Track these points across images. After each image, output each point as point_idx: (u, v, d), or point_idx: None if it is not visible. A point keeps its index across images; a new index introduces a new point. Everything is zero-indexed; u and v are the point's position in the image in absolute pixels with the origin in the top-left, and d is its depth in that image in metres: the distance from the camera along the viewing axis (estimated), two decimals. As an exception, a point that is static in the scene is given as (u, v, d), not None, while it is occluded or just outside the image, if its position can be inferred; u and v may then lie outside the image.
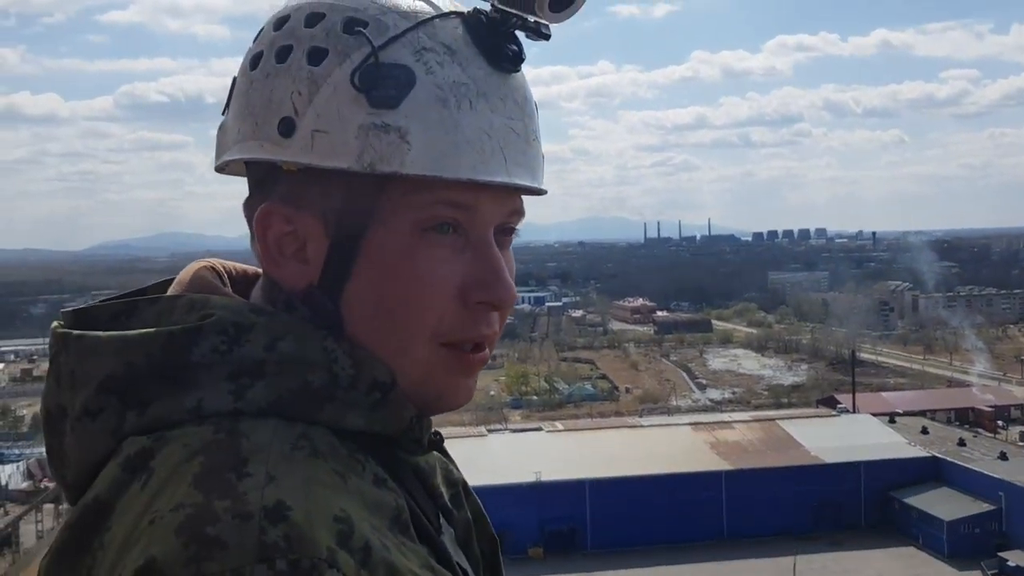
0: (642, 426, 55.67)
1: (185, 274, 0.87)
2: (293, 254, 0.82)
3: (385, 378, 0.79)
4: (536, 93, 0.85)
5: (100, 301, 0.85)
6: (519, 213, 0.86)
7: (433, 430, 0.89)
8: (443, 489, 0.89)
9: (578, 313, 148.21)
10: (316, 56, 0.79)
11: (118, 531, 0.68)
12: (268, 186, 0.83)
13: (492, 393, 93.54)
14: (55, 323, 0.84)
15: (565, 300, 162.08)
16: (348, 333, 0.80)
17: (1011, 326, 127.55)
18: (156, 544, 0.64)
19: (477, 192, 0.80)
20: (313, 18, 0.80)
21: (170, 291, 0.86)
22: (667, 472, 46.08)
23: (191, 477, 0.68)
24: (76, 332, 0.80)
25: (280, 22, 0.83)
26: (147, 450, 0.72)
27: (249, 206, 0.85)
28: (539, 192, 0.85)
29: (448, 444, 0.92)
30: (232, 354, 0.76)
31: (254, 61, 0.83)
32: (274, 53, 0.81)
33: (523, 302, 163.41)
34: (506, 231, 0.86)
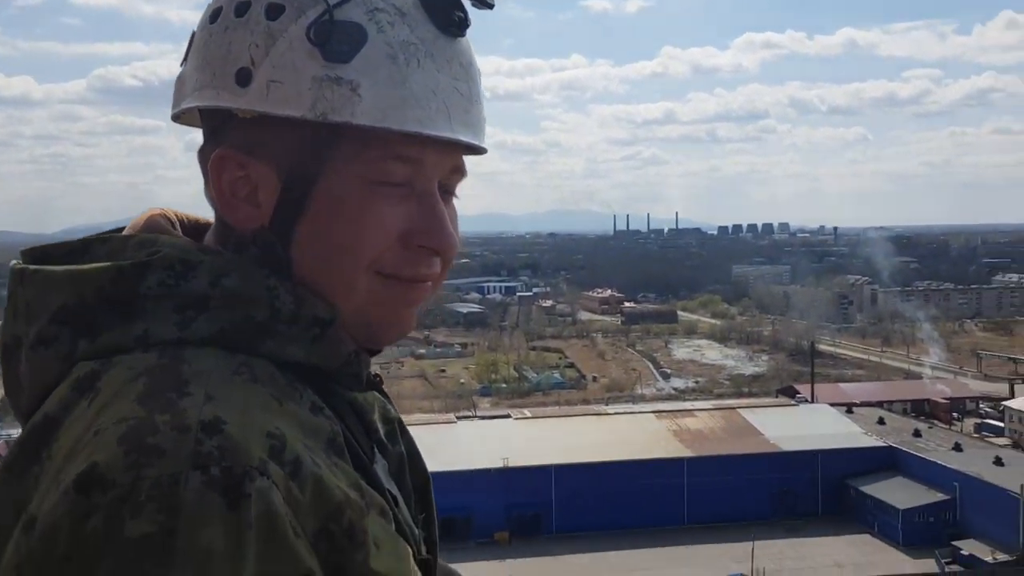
0: (608, 414, 56.55)
1: (139, 219, 0.94)
2: (245, 197, 0.87)
3: (324, 315, 0.85)
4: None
5: (55, 243, 0.91)
6: (461, 172, 0.93)
7: (375, 374, 0.95)
8: (379, 425, 0.95)
9: (548, 303, 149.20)
10: (273, 11, 0.84)
11: (64, 442, 0.73)
12: (223, 133, 0.88)
13: (462, 381, 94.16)
14: (13, 261, 0.88)
15: (535, 290, 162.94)
16: (296, 272, 0.86)
17: (967, 320, 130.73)
18: (99, 451, 0.69)
19: (423, 146, 0.86)
20: None
21: (124, 233, 0.91)
22: (631, 458, 46.98)
23: (135, 395, 0.73)
24: (32, 267, 0.86)
25: None
26: (95, 372, 0.77)
27: (204, 153, 0.90)
28: (481, 151, 0.92)
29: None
30: (178, 288, 0.81)
31: (213, 15, 0.88)
32: (233, 8, 0.86)
33: (494, 291, 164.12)
34: (448, 190, 0.93)
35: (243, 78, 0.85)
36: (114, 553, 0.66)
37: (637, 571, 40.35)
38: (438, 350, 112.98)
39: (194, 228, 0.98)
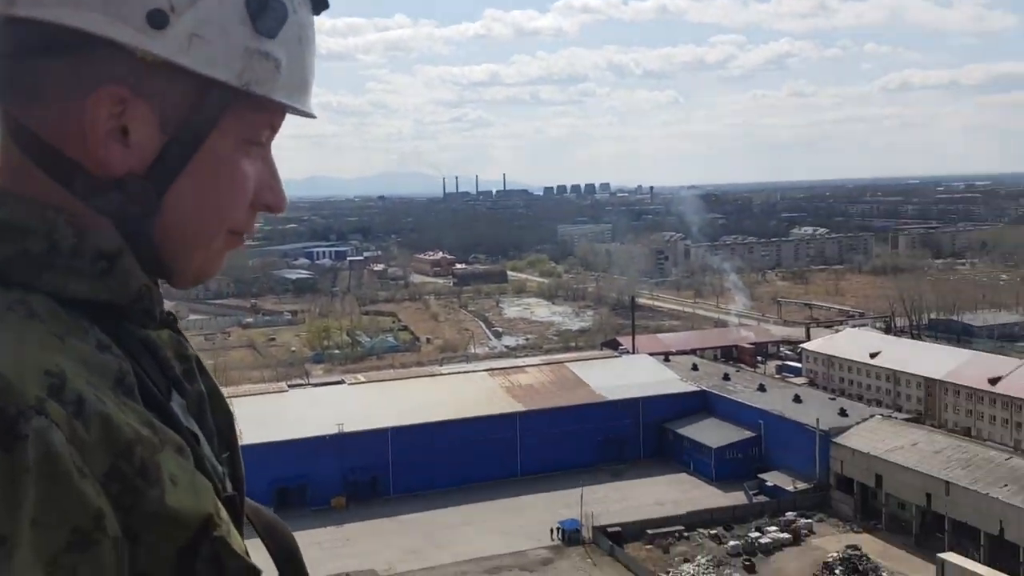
0: (442, 374, 57.38)
1: None
2: (117, 137, 0.83)
3: (111, 247, 0.83)
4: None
5: None
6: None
7: (168, 311, 0.94)
8: (175, 363, 0.93)
9: (379, 267, 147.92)
10: None
11: None
12: (86, 62, 0.82)
13: (293, 349, 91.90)
14: None
15: (366, 254, 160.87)
16: (161, 221, 0.86)
17: (769, 271, 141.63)
18: None
19: (284, 115, 0.93)
20: None
21: None
22: (465, 416, 48.18)
23: None
24: None
25: None
26: None
27: (45, 74, 0.83)
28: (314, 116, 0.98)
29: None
30: None
31: None
32: None
33: (323, 257, 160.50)
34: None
35: (158, 21, 0.81)
36: None
37: (472, 524, 41.63)
38: (267, 318, 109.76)
39: None
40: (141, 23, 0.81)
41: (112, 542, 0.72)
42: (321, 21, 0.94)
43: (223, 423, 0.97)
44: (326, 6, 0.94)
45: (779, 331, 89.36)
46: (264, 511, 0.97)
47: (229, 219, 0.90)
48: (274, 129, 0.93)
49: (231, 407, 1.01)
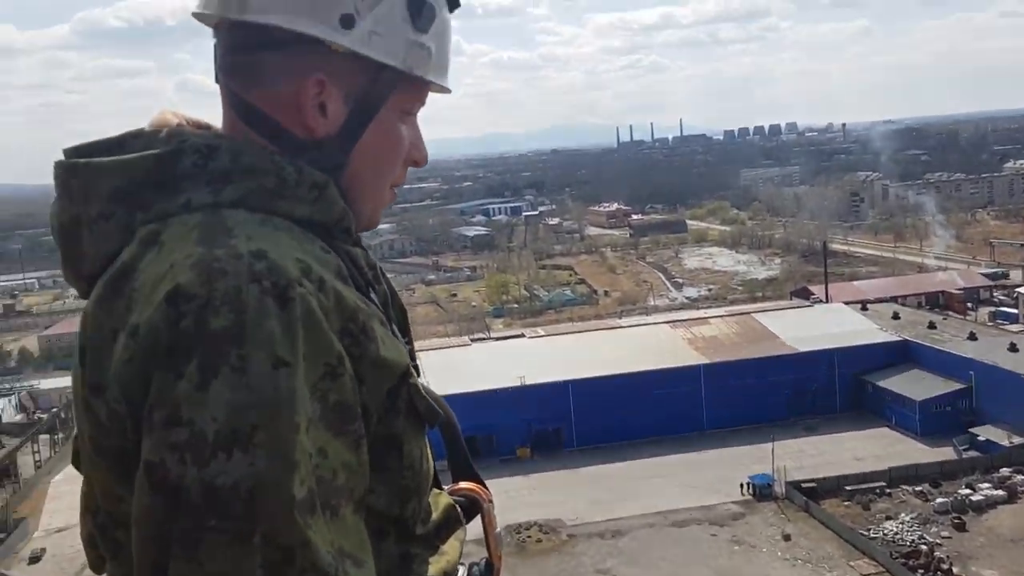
0: (621, 327, 56.57)
1: (154, 119, 1.15)
2: (318, 109, 1.11)
3: (320, 179, 1.09)
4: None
5: (93, 141, 1.12)
6: None
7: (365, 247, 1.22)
8: (367, 269, 1.17)
9: (554, 221, 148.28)
10: None
11: (146, 279, 0.97)
12: (298, 54, 1.09)
13: (474, 304, 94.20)
14: (57, 160, 1.10)
15: (541, 209, 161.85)
16: (346, 174, 1.13)
17: (979, 210, 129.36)
18: (179, 276, 0.94)
19: (428, 91, 1.21)
20: None
21: (149, 129, 1.13)
22: (647, 369, 47.28)
23: (193, 239, 0.98)
24: (83, 160, 1.08)
25: None
26: (155, 231, 1.02)
27: (266, 63, 1.10)
28: (450, 91, 1.25)
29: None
30: (207, 167, 1.05)
31: None
32: None
33: (499, 212, 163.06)
34: None
35: (347, 22, 1.08)
36: (204, 341, 0.90)
37: (658, 478, 40.91)
38: (448, 275, 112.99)
39: (196, 126, 1.17)
40: (336, 24, 1.08)
41: (349, 377, 0.98)
42: None
43: (400, 316, 1.22)
44: (458, 5, 1.22)
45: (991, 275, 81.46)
46: (429, 389, 1.16)
47: (391, 173, 1.18)
48: (422, 102, 1.20)
49: (404, 305, 1.26)
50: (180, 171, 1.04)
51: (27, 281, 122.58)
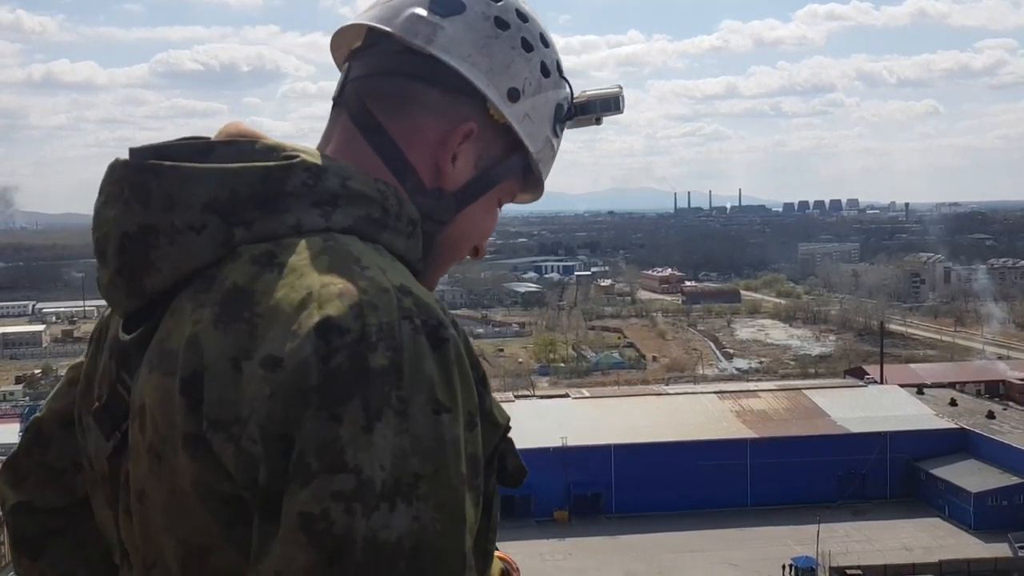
0: (668, 394, 55.84)
1: (226, 129, 1.07)
2: (451, 159, 1.09)
3: (414, 216, 1.05)
4: (566, 63, 1.24)
5: (168, 142, 1.03)
6: None
7: None
8: None
9: (606, 282, 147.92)
10: (545, 70, 1.15)
11: (270, 303, 0.89)
12: (458, 102, 1.09)
13: (520, 360, 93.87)
14: (122, 160, 1.00)
15: (594, 269, 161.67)
16: (446, 231, 1.10)
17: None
18: (328, 307, 0.85)
19: (520, 191, 1.22)
20: (546, 40, 1.17)
21: (218, 140, 1.05)
22: (692, 439, 46.43)
23: (326, 266, 0.90)
24: (168, 163, 0.97)
25: (523, 16, 1.14)
26: (270, 252, 0.93)
27: (421, 96, 1.08)
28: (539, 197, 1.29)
29: None
30: (317, 187, 0.98)
31: (502, 24, 1.12)
32: (519, 40, 1.12)
33: (551, 271, 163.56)
34: None
35: (512, 96, 1.11)
36: (362, 380, 0.83)
37: (697, 552, 39.91)
38: (496, 330, 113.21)
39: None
40: (504, 93, 1.10)
41: (479, 429, 0.91)
42: (556, 39, 1.20)
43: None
44: (574, 116, 1.23)
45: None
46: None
47: (465, 251, 1.16)
48: (514, 198, 1.21)
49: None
50: (289, 188, 0.97)
51: (87, 308, 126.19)
